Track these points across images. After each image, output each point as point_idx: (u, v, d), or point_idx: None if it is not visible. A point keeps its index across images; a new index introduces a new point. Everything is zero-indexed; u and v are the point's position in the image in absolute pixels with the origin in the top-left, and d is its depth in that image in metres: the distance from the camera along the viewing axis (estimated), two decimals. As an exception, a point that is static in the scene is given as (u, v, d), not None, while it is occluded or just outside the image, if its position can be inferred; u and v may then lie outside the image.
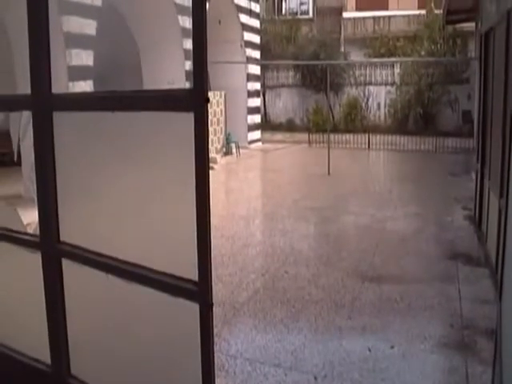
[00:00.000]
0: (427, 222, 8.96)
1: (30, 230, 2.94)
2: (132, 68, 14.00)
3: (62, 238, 2.59)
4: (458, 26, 19.34)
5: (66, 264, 2.57)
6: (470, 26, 15.07)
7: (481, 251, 7.10)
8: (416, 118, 23.90)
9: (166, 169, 2.25)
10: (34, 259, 2.63)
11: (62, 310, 2.59)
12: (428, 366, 4.25)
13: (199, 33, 1.93)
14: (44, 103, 2.59)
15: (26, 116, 2.69)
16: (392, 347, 4.52)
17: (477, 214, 8.25)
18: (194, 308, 2.09)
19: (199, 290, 2.08)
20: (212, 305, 2.07)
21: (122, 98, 2.39)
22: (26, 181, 9.37)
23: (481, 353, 4.38)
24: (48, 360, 2.70)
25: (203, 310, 2.08)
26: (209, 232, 2.04)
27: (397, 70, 25.18)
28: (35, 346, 2.77)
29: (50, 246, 2.61)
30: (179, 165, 2.14)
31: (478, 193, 8.25)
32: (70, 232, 2.58)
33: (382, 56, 26.16)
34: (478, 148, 8.49)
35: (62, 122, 2.57)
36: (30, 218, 3.20)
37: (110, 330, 2.53)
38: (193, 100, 2.00)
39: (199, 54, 1.96)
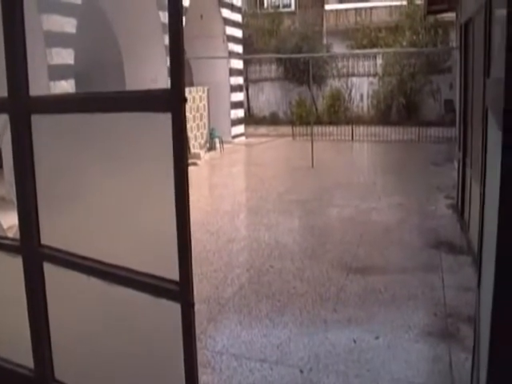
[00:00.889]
0: (411, 212, 9.03)
1: (11, 234, 2.92)
2: (114, 65, 13.90)
3: (42, 242, 2.58)
4: (439, 16, 19.39)
5: (48, 267, 2.56)
6: (450, 16, 15.12)
7: (463, 239, 7.18)
8: (399, 108, 24.00)
9: (146, 170, 2.24)
10: (15, 263, 2.62)
11: (45, 314, 2.58)
12: (413, 356, 4.31)
13: (176, 33, 1.93)
14: (21, 106, 2.57)
15: (4, 118, 2.66)
16: (377, 338, 4.57)
17: (459, 203, 8.32)
18: (175, 308, 2.09)
19: (180, 290, 2.08)
20: (193, 304, 2.08)
21: (100, 100, 2.38)
22: (6, 184, 9.29)
23: (464, 340, 4.43)
24: (31, 365, 2.68)
25: (185, 310, 2.09)
26: (189, 232, 2.04)
27: (379, 61, 25.23)
28: (18, 351, 2.76)
29: (31, 250, 2.59)
30: (158, 165, 2.14)
31: (460, 182, 8.32)
32: (51, 235, 2.57)
33: (365, 47, 26.22)
34: (460, 137, 8.56)
35: (41, 124, 2.55)
36: (11, 221, 3.18)
37: (93, 332, 2.53)
38: (170, 100, 2.00)
39: (176, 54, 1.95)
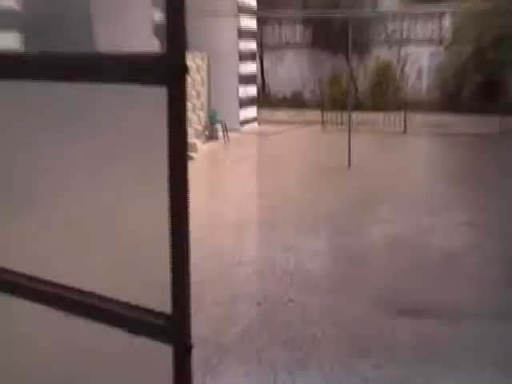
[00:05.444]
0: (486, 235, 9.00)
1: None
2: (79, 16, 13.93)
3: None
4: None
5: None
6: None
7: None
8: (474, 88, 23.80)
9: (129, 165, 2.23)
10: None
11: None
12: None
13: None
14: None
15: None
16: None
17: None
18: (165, 351, 2.09)
19: (173, 327, 2.08)
20: (191, 347, 2.08)
21: (63, 63, 2.28)
22: None
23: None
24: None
25: (179, 355, 2.08)
26: (187, 249, 2.04)
27: (447, 23, 25.04)
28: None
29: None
30: (147, 158, 2.13)
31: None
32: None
33: (426, 2, 26.14)
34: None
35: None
36: None
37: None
38: (166, 69, 1.98)
39: (175, 7, 1.92)
